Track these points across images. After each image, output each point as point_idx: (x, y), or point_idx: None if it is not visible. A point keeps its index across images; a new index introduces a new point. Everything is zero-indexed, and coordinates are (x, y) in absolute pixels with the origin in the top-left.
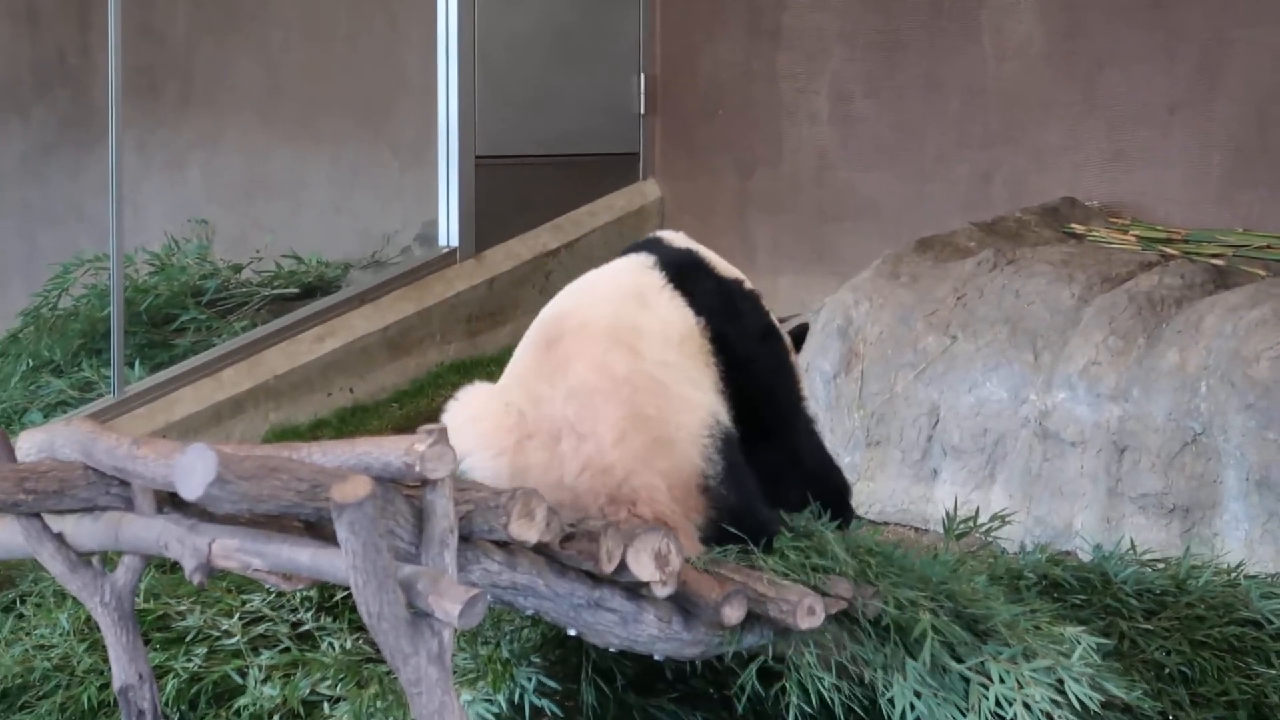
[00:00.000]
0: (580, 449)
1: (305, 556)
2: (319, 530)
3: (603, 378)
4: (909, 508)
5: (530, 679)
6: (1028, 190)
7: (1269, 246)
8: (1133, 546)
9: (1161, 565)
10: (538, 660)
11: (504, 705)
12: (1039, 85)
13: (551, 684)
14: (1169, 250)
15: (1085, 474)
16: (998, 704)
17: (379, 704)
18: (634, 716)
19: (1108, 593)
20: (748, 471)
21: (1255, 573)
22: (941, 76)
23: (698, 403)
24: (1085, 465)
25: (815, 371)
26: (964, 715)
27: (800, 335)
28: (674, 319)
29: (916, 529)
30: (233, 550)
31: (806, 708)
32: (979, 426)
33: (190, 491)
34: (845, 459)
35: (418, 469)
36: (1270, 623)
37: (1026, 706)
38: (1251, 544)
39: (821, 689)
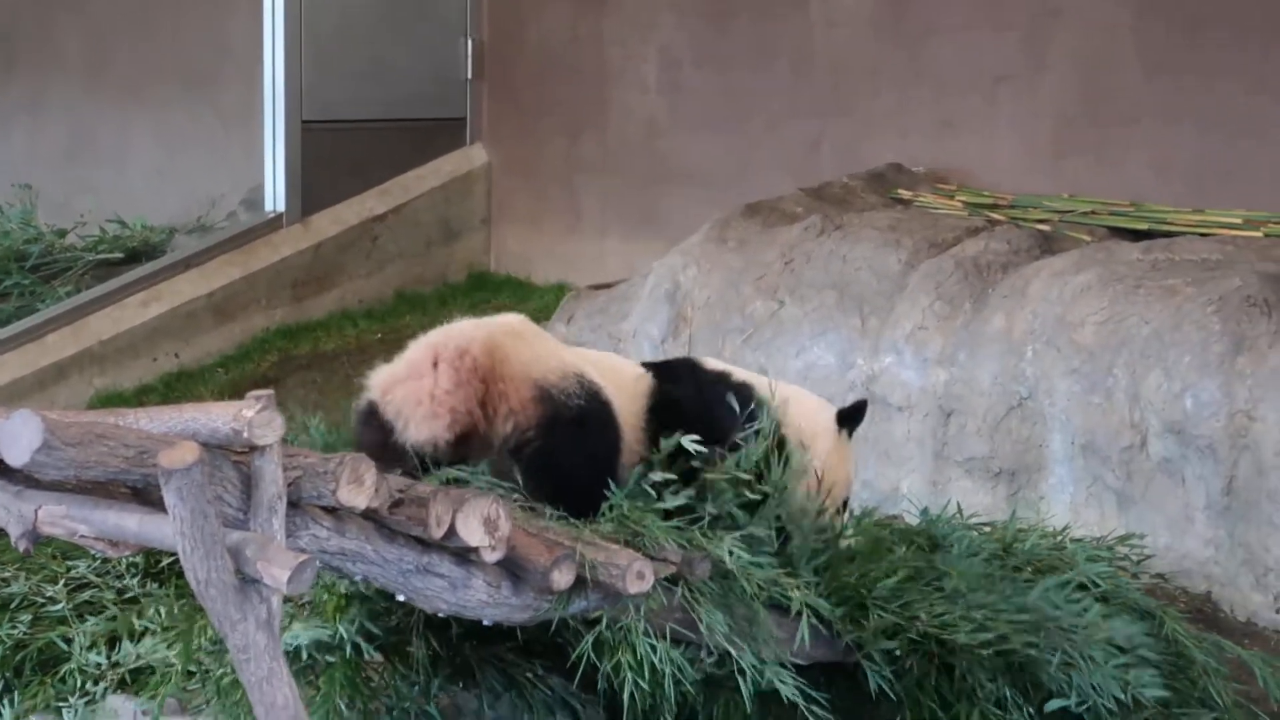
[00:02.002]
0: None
1: (132, 523)
2: (146, 496)
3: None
4: None
5: (355, 621)
6: (856, 156)
7: (1094, 212)
8: (959, 510)
9: (988, 529)
10: (372, 602)
11: (340, 638)
12: (867, 53)
13: (376, 631)
14: (995, 216)
15: (912, 438)
16: None
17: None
18: (471, 665)
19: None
20: (605, 436)
21: (1080, 536)
22: (770, 44)
23: (581, 356)
24: (912, 429)
25: (643, 337)
26: None
27: (855, 413)
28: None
29: None
30: (59, 517)
31: (641, 681)
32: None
33: (16, 458)
34: None
35: (245, 435)
36: (1096, 585)
37: None
38: (1076, 507)
39: (653, 658)
